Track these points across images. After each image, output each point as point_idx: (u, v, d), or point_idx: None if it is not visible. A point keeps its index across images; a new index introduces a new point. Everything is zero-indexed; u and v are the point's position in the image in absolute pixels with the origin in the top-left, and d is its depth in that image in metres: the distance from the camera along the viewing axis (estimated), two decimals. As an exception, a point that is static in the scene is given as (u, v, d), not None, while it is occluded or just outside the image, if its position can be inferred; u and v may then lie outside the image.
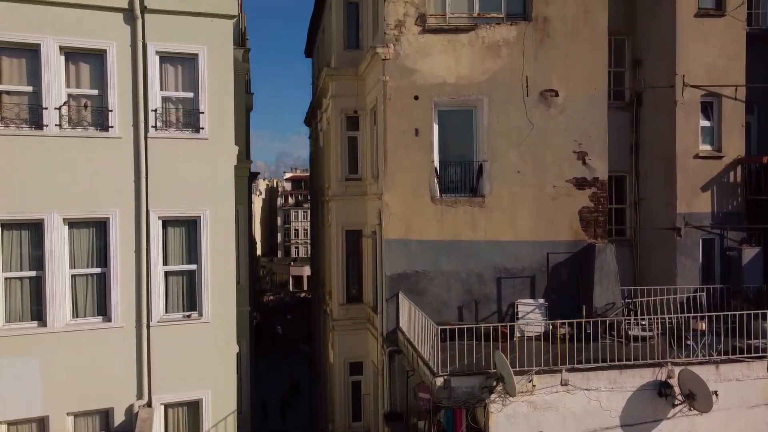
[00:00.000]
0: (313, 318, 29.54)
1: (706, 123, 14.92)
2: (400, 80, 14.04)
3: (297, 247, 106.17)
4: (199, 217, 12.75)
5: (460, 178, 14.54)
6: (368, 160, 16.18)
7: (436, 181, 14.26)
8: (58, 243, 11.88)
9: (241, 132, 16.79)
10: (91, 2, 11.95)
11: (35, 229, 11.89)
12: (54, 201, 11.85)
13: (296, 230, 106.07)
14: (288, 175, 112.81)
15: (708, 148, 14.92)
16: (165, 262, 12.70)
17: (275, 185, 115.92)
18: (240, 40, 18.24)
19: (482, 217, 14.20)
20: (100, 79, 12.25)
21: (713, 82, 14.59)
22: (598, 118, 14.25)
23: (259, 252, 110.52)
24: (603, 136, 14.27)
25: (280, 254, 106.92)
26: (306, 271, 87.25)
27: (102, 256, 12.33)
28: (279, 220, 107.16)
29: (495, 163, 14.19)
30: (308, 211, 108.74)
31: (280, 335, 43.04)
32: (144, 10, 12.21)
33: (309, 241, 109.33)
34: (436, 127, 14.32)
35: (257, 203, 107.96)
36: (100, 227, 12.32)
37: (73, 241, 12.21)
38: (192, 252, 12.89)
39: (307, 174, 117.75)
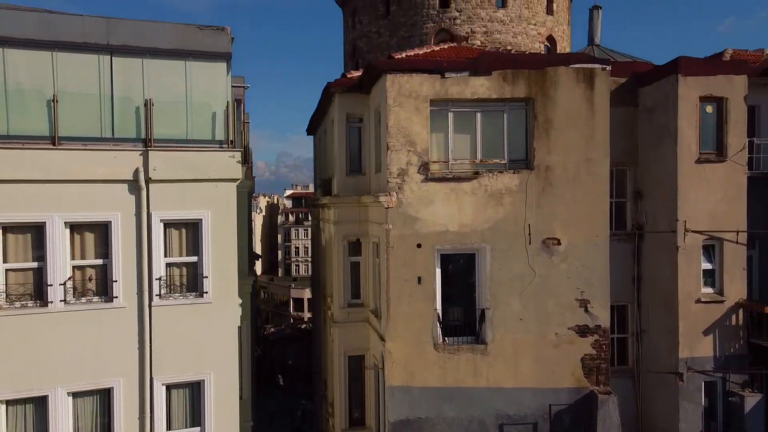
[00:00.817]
0: (314, 361, 29.42)
1: (708, 266, 14.97)
2: (402, 228, 14.09)
3: (297, 265, 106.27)
4: (203, 380, 12.80)
5: (463, 323, 14.61)
6: (371, 288, 16.22)
7: (438, 327, 14.32)
8: (62, 416, 11.94)
9: (244, 247, 16.85)
10: (97, 177, 11.99)
11: (40, 403, 11.95)
12: (58, 375, 11.90)
13: (296, 248, 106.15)
14: (288, 192, 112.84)
15: (710, 291, 14.96)
16: (168, 427, 12.75)
17: (275, 201, 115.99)
18: (244, 155, 18.22)
19: (484, 363, 14.24)
20: (105, 248, 12.29)
21: (715, 226, 14.64)
22: (600, 266, 14.29)
23: (259, 271, 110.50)
24: (605, 284, 14.30)
25: (280, 272, 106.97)
26: (306, 293, 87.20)
27: (106, 425, 12.38)
28: (279, 238, 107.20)
29: (497, 311, 14.23)
30: (308, 229, 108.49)
31: (282, 386, 43.15)
32: (149, 180, 12.25)
33: (309, 259, 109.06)
34: (438, 272, 14.39)
35: (257, 220, 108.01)
36: (104, 395, 12.37)
37: (77, 410, 12.25)
38: (195, 414, 12.93)
39: (308, 191, 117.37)
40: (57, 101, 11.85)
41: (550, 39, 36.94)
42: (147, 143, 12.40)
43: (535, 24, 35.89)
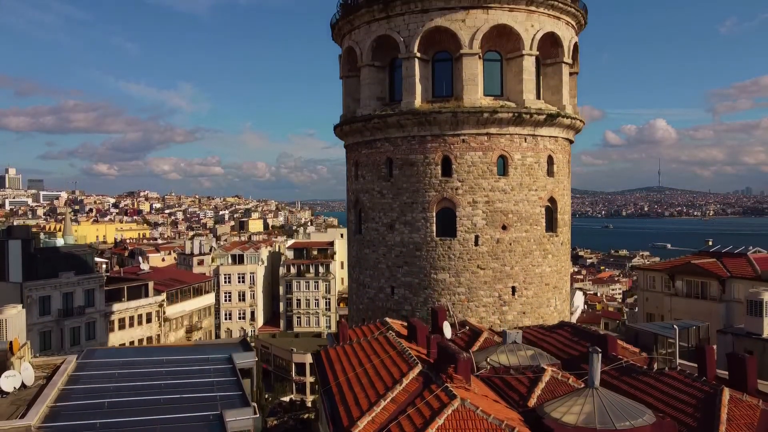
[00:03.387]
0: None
1: None
2: None
3: (299, 317, 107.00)
4: None
5: None
6: None
7: None
8: None
9: None
10: None
11: None
12: None
13: (298, 300, 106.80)
14: (290, 243, 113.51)
15: None
16: None
17: (277, 249, 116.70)
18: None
19: None
20: None
21: None
22: None
23: (261, 322, 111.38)
24: None
25: (282, 324, 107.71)
26: (308, 358, 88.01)
27: None
28: (281, 290, 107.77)
29: None
30: (309, 282, 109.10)
31: None
32: None
33: (311, 311, 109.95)
34: None
35: (259, 272, 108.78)
36: None
37: None
38: None
39: (308, 241, 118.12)
40: None
41: (551, 200, 37.34)
42: None
43: (536, 189, 36.28)
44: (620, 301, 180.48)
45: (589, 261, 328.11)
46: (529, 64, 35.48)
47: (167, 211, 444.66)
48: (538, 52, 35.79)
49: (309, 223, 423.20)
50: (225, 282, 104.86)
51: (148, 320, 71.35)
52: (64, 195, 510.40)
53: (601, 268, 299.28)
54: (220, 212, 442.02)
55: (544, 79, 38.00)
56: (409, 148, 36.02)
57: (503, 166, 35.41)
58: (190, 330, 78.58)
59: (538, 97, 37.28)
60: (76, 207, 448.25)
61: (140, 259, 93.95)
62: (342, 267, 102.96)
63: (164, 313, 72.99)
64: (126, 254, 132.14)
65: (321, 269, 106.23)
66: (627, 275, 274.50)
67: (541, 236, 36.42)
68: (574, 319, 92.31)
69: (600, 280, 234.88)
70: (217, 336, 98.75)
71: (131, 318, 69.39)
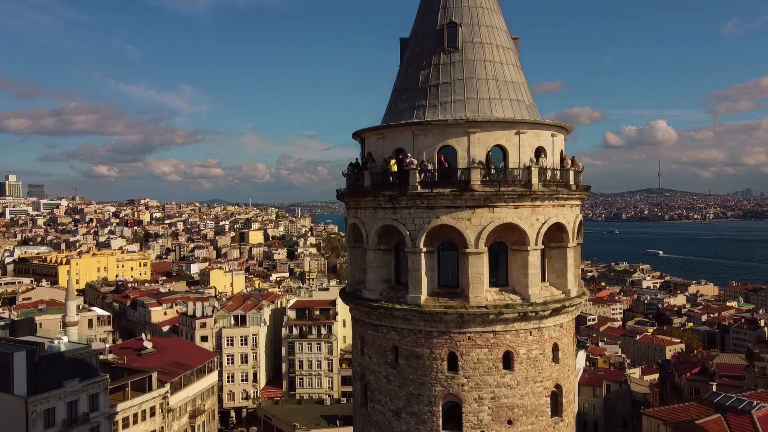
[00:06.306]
0: None
1: None
2: None
3: (301, 378, 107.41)
4: None
5: None
6: None
7: None
8: None
9: None
10: None
11: None
12: None
13: (300, 361, 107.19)
14: (292, 302, 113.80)
15: None
16: None
17: (279, 306, 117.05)
18: None
19: None
20: None
21: None
22: None
23: (263, 382, 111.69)
24: None
25: (284, 385, 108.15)
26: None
27: None
28: (284, 351, 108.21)
29: None
30: (312, 344, 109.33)
31: None
32: None
33: (313, 373, 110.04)
34: None
35: (261, 333, 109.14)
36: None
37: None
38: None
39: (311, 300, 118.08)
40: None
41: (557, 386, 37.52)
42: None
43: (541, 380, 36.43)
44: (621, 325, 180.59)
45: (589, 274, 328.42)
46: (534, 258, 35.58)
47: (167, 221, 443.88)
48: (543, 246, 35.93)
49: (309, 233, 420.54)
50: (227, 344, 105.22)
51: (152, 414, 71.66)
52: (63, 203, 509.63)
53: (602, 284, 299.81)
54: (221, 222, 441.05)
55: (549, 262, 38.08)
56: (415, 341, 36.13)
57: (509, 361, 35.50)
58: (193, 416, 78.92)
59: (543, 279, 37.41)
60: (76, 216, 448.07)
61: (143, 335, 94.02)
62: (344, 325, 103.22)
63: (168, 404, 73.29)
64: (128, 303, 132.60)
65: (323, 330, 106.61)
66: (627, 292, 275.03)
67: (547, 426, 36.55)
68: (575, 383, 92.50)
69: (600, 299, 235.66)
70: (221, 406, 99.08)
71: (135, 415, 69.68)
